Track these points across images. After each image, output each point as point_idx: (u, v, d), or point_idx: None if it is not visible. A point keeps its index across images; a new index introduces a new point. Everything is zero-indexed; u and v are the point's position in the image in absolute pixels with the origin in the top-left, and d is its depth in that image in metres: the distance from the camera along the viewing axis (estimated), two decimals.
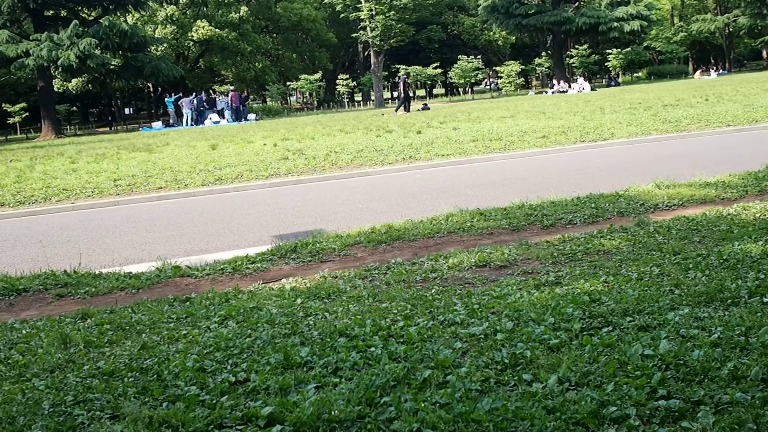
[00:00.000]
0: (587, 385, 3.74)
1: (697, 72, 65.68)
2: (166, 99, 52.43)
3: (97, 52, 43.66)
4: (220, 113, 47.89)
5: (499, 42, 74.39)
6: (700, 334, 4.30)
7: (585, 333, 4.51)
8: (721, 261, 5.92)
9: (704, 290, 5.10)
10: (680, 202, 9.20)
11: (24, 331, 5.71)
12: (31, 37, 44.17)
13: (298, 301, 5.94)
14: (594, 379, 3.80)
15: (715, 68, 69.82)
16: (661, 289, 5.27)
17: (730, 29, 71.95)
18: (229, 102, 47.52)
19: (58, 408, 4.03)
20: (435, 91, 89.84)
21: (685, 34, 73.28)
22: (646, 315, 4.74)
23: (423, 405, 3.63)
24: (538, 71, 72.28)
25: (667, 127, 19.56)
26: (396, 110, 39.79)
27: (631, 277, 5.74)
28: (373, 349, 4.53)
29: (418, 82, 68.47)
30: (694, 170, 11.84)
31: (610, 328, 4.58)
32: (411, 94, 43.35)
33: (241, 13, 59.51)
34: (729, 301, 4.90)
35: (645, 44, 70.12)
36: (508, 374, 3.99)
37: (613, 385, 3.68)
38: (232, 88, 49.19)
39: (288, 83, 64.28)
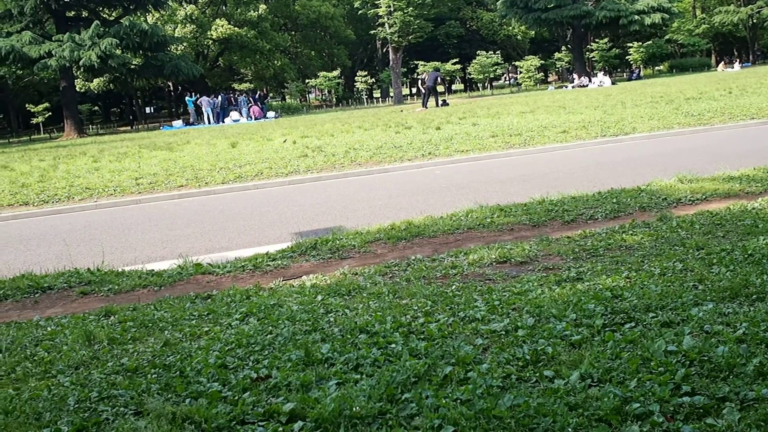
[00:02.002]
0: (610, 382, 3.72)
1: (720, 64, 65.03)
2: (186, 98, 52.73)
3: (118, 51, 43.93)
4: (240, 111, 48.15)
5: (519, 37, 74.05)
6: (724, 329, 4.26)
7: (607, 329, 4.49)
8: (746, 256, 5.87)
9: (729, 285, 5.05)
10: (703, 197, 9.12)
11: (49, 329, 5.76)
12: (53, 38, 44.49)
13: (319, 297, 5.95)
14: (617, 376, 3.77)
15: (738, 60, 69.15)
16: (684, 285, 5.23)
17: (754, 20, 71.13)
18: (249, 111, 47.75)
19: (83, 404, 4.06)
20: (454, 87, 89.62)
21: (708, 26, 72.56)
22: (669, 311, 4.70)
23: (444, 401, 3.62)
24: (558, 66, 71.91)
25: (690, 120, 19.41)
26: (423, 104, 39.74)
27: (653, 272, 5.70)
28: (393, 345, 4.53)
29: (437, 78, 68.28)
30: (717, 164, 11.75)
31: (633, 324, 4.55)
32: (439, 90, 43.21)
33: (259, 12, 59.55)
34: (754, 296, 4.85)
35: (666, 37, 69.51)
36: (529, 371, 3.98)
37: (636, 381, 3.66)
38: (253, 103, 49.34)
39: (307, 81, 64.34)
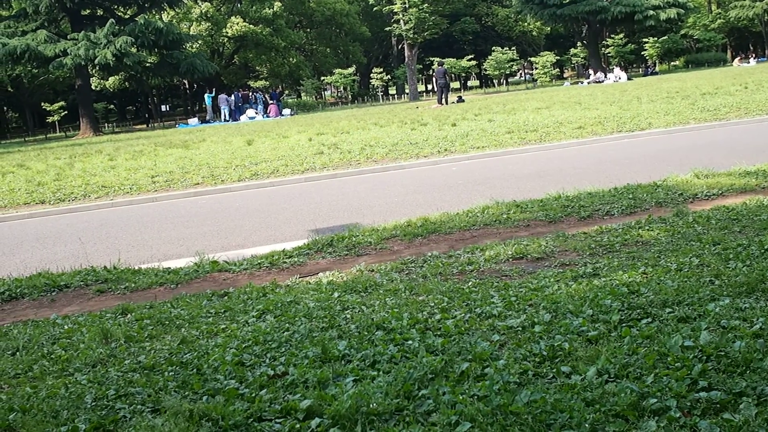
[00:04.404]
0: (627, 377, 3.71)
1: (736, 59, 64.68)
2: (206, 95, 52.97)
3: (134, 50, 44.06)
4: (256, 109, 48.29)
5: (534, 33, 73.82)
6: (741, 324, 4.24)
7: (624, 325, 4.47)
8: (763, 251, 5.83)
9: (745, 280, 5.03)
10: (720, 192, 9.08)
11: (66, 327, 5.79)
12: (68, 37, 44.68)
13: (335, 294, 5.96)
14: (633, 371, 3.76)
15: (754, 55, 68.67)
16: (701, 280, 5.21)
17: None
18: (266, 109, 47.94)
19: (100, 402, 4.08)
20: (469, 83, 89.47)
21: (723, 21, 72.03)
22: (685, 306, 4.68)
23: (461, 398, 3.62)
24: (574, 61, 71.65)
25: (706, 115, 19.31)
26: (439, 101, 39.63)
27: (670, 267, 5.68)
28: (410, 342, 4.53)
29: (453, 75, 68.20)
30: (733, 159, 11.69)
31: (650, 319, 4.53)
32: (449, 85, 43.12)
33: (275, 9, 59.59)
34: None
35: (682, 32, 69.11)
36: (546, 366, 3.97)
37: (653, 376, 3.65)
38: (272, 102, 49.59)
39: (322, 78, 64.41)
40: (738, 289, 4.92)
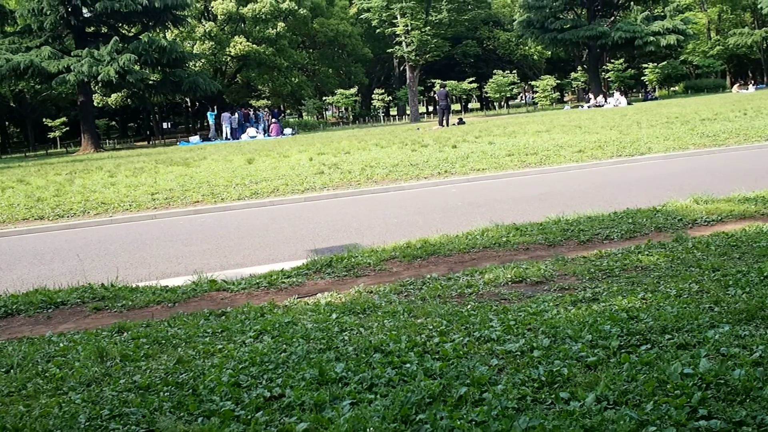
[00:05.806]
0: (626, 404, 3.69)
1: (735, 86, 65.00)
2: (208, 113, 53.21)
3: (137, 67, 44.24)
4: (257, 128, 48.45)
5: (535, 56, 74.22)
6: (741, 352, 4.22)
7: (623, 351, 4.45)
8: (762, 278, 5.82)
9: (745, 308, 5.01)
10: (719, 218, 9.07)
11: (61, 344, 5.76)
12: (72, 53, 44.85)
13: (333, 316, 5.93)
14: (633, 398, 3.74)
15: (753, 82, 69.03)
16: (700, 307, 5.19)
17: None
18: (268, 129, 48.13)
19: (94, 422, 4.05)
20: (470, 106, 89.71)
21: (722, 48, 72.55)
22: (685, 333, 4.66)
23: (459, 423, 3.59)
24: (574, 85, 71.95)
25: (705, 141, 19.36)
26: (440, 123, 39.76)
27: (669, 293, 5.66)
28: (408, 365, 4.51)
29: (454, 97, 68.43)
30: (732, 185, 11.69)
31: (649, 345, 4.51)
32: (450, 107, 43.35)
33: (278, 29, 59.80)
34: None
35: (682, 58, 69.55)
36: (545, 392, 3.95)
37: (652, 404, 3.62)
38: (274, 120, 49.93)
39: (324, 98, 64.61)
40: (737, 316, 4.90)
